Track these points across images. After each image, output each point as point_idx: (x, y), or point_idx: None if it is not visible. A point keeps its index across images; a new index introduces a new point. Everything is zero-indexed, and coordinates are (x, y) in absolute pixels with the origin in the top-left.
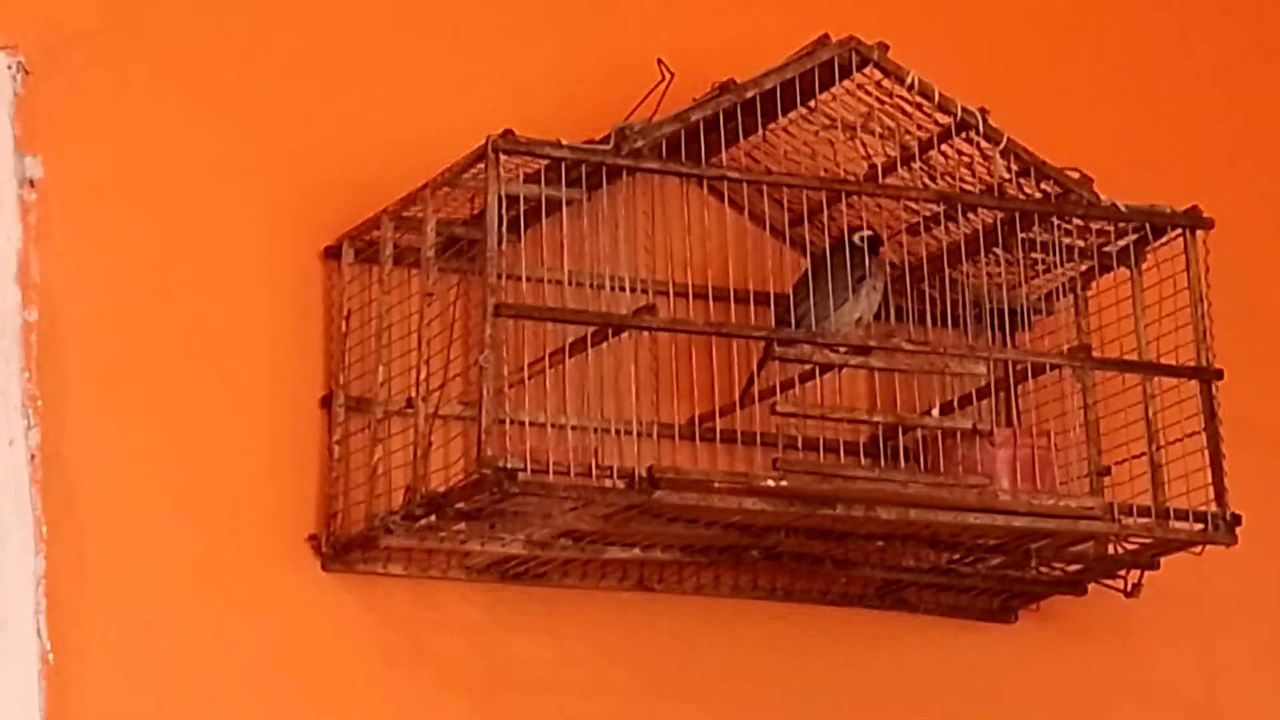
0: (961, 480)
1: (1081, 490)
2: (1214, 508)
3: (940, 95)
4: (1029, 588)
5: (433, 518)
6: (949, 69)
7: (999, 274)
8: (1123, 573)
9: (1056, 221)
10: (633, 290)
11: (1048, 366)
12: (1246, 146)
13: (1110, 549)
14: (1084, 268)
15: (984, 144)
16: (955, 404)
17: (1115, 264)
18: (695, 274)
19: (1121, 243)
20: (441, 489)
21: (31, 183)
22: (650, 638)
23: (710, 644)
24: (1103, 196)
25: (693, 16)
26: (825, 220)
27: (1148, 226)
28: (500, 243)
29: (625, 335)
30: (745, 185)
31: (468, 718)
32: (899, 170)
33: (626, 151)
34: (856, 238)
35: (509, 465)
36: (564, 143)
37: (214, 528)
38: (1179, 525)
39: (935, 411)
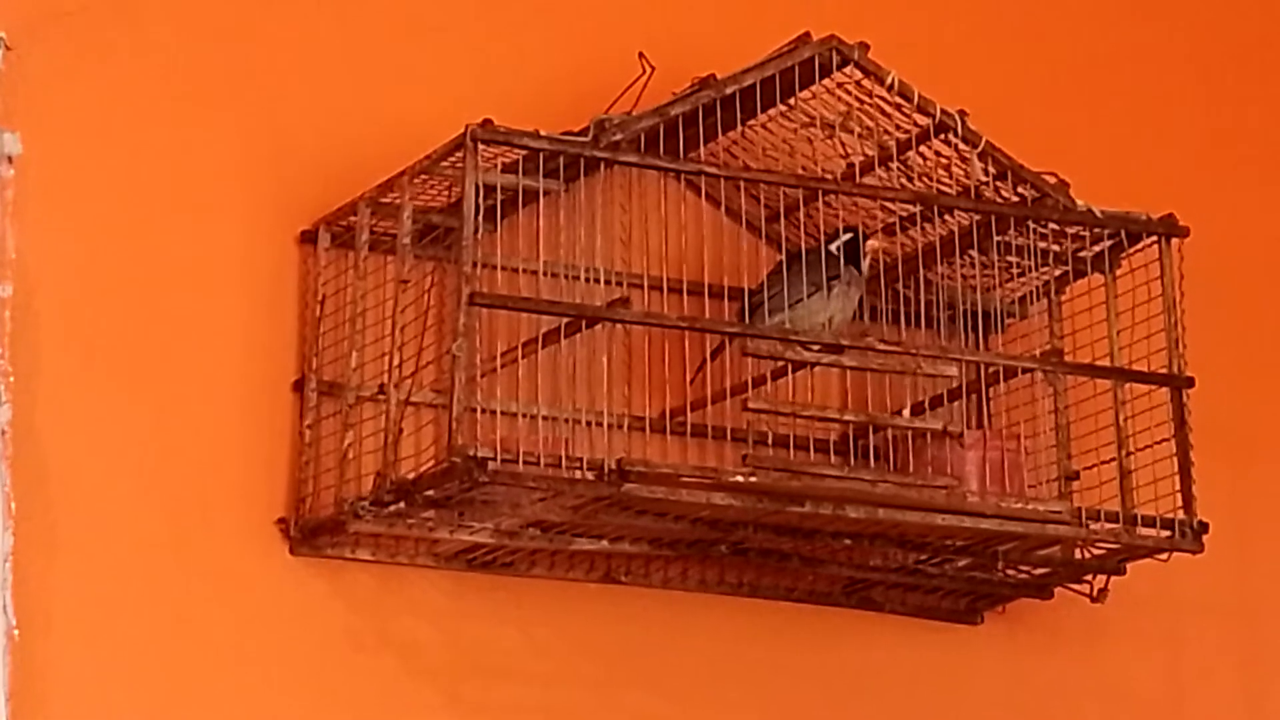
0: (930, 481)
1: (1050, 494)
2: (1181, 515)
3: (920, 96)
4: (995, 590)
5: (402, 504)
6: (929, 70)
7: (974, 276)
8: (1089, 577)
9: (1032, 225)
10: (607, 282)
11: (1020, 370)
12: (1223, 154)
13: (1077, 553)
14: (1058, 272)
15: (962, 146)
16: (926, 405)
17: (1090, 269)
18: (670, 268)
19: (1096, 248)
20: (411, 476)
21: (10, 159)
22: (616, 629)
23: (676, 638)
24: (1079, 201)
25: (674, 11)
26: (802, 218)
27: (1123, 233)
28: (476, 231)
29: (599, 327)
30: (723, 181)
31: (433, 703)
32: (877, 170)
33: (605, 144)
34: (833, 247)
35: (479, 454)
36: (542, 133)
37: (184, 508)
38: (1146, 532)
39: (906, 412)
